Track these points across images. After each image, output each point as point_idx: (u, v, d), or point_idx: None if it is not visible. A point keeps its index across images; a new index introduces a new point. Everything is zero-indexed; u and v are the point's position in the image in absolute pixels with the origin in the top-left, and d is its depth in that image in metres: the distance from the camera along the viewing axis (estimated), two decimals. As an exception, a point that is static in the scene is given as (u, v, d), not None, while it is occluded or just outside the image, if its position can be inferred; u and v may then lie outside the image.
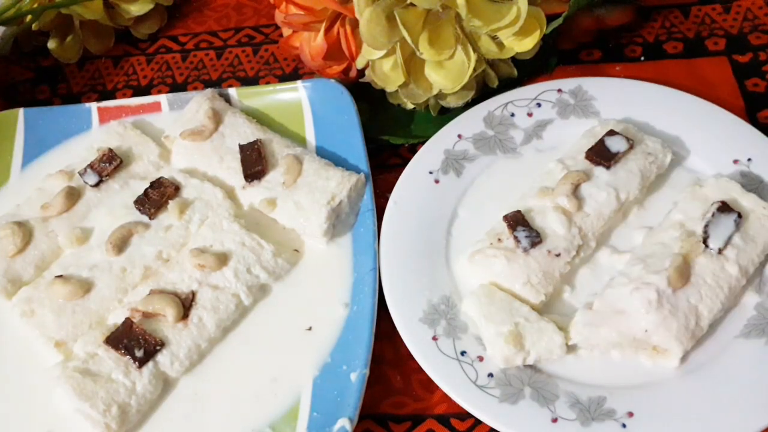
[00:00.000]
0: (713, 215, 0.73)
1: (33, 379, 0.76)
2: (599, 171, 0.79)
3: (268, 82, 1.01)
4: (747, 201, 0.75)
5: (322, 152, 0.88)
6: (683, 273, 0.70)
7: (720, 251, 0.71)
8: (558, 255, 0.74)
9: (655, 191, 0.81)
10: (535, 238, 0.74)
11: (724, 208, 0.73)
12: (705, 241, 0.72)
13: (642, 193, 0.79)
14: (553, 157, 0.82)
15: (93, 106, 0.95)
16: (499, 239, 0.75)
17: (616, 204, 0.77)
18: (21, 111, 0.95)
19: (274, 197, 0.83)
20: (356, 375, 0.70)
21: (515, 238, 0.74)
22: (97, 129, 0.94)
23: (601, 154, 0.79)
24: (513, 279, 0.73)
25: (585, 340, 0.69)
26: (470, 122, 0.87)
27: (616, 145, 0.79)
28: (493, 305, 0.72)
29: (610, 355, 0.70)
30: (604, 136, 0.80)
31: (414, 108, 0.90)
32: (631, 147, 0.79)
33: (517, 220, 0.75)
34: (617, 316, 0.69)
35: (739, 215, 0.73)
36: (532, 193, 0.79)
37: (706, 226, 0.72)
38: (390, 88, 0.86)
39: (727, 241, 0.72)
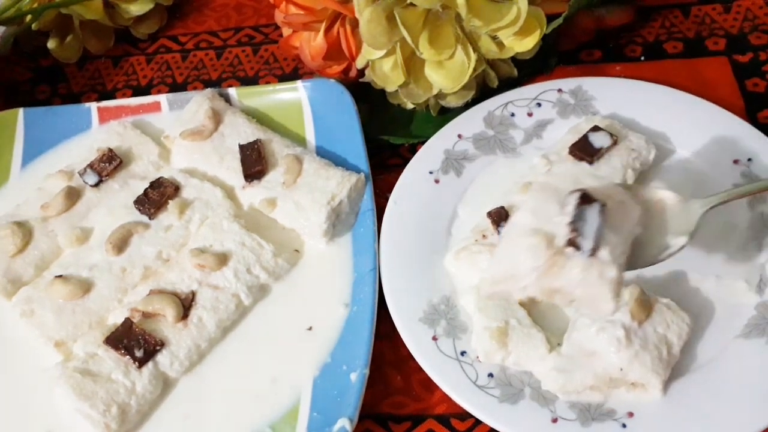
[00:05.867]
0: (576, 208, 0.59)
1: (33, 379, 0.76)
2: (582, 166, 0.79)
3: (268, 82, 1.01)
4: (600, 185, 0.65)
5: (322, 152, 0.88)
6: (645, 304, 0.68)
7: (593, 252, 0.58)
8: None
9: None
10: None
11: (586, 198, 0.60)
12: (573, 242, 0.58)
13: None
14: (553, 156, 0.82)
15: (93, 106, 0.95)
16: (484, 235, 0.75)
17: None
18: (21, 111, 0.95)
19: (274, 197, 0.83)
20: (356, 375, 0.70)
21: (499, 233, 0.74)
22: (97, 129, 0.94)
23: (584, 150, 0.79)
24: None
25: (560, 387, 0.67)
26: (470, 122, 0.87)
27: (599, 140, 0.79)
28: (491, 300, 0.71)
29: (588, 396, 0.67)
30: (588, 131, 0.80)
31: (414, 108, 0.90)
32: (615, 143, 0.79)
33: (501, 216, 0.75)
34: (589, 359, 0.67)
35: (603, 204, 0.60)
36: (516, 189, 0.78)
37: (573, 223, 0.59)
38: (390, 88, 0.86)
39: (598, 238, 0.58)
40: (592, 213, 0.59)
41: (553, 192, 0.62)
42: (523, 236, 0.60)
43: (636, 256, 0.64)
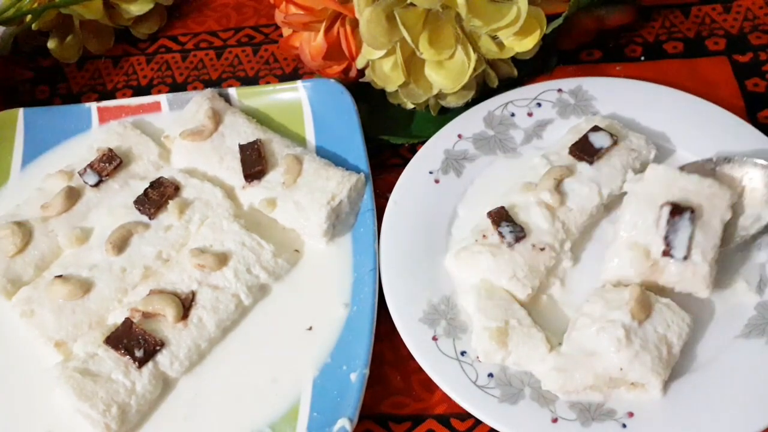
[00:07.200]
0: (668, 222, 0.69)
1: (33, 379, 0.76)
2: (582, 166, 0.79)
3: (268, 82, 1.01)
4: (690, 183, 0.71)
5: (322, 152, 0.88)
6: (645, 304, 0.68)
7: (685, 258, 0.69)
8: (542, 249, 0.74)
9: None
10: (519, 233, 0.74)
11: (676, 210, 0.70)
12: (668, 254, 0.69)
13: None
14: (553, 156, 0.82)
15: (93, 106, 0.95)
16: (484, 236, 0.76)
17: (598, 199, 0.77)
18: (21, 111, 0.95)
19: (274, 197, 0.83)
20: (356, 375, 0.70)
21: (500, 233, 0.74)
22: (97, 129, 0.94)
23: (584, 150, 0.79)
24: (499, 274, 0.73)
25: (560, 387, 0.67)
26: (470, 122, 0.87)
27: (599, 140, 0.79)
28: (491, 301, 0.72)
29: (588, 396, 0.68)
30: (588, 131, 0.80)
31: (414, 108, 0.90)
32: (615, 143, 0.79)
33: (501, 216, 0.76)
34: (589, 358, 0.67)
35: (692, 210, 0.70)
36: (516, 189, 0.79)
37: (666, 237, 0.69)
38: (390, 88, 0.86)
39: (689, 246, 0.69)
40: (683, 223, 0.69)
41: (648, 201, 0.71)
42: (626, 249, 0.71)
43: (725, 235, 0.71)
